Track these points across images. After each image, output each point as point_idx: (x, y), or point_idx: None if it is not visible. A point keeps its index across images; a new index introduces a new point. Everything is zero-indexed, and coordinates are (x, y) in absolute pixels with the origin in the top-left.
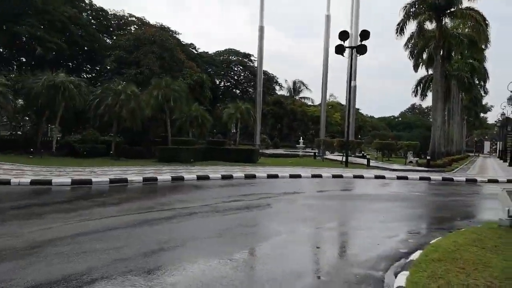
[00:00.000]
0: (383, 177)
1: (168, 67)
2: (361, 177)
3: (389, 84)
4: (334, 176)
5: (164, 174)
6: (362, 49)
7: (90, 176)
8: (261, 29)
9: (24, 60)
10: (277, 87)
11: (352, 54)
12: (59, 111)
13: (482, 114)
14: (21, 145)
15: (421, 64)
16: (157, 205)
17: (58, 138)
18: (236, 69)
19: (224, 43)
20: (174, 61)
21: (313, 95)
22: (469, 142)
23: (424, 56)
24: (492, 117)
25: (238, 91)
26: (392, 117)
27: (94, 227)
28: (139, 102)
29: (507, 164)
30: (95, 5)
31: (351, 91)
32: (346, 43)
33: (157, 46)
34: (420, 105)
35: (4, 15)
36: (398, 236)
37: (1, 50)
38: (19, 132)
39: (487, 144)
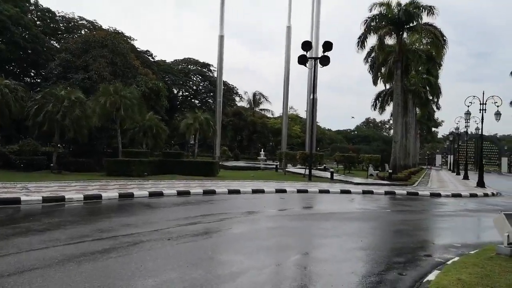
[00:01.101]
0: (348, 192)
1: (120, 73)
2: (327, 192)
3: (343, 98)
4: (299, 191)
5: (111, 190)
6: (325, 60)
7: (19, 193)
8: (221, 38)
9: None
10: (237, 98)
11: (314, 65)
12: None
13: (433, 129)
14: None
15: (380, 78)
16: (94, 232)
17: None
18: (195, 78)
19: (182, 52)
20: (127, 67)
21: (272, 107)
22: (421, 155)
23: (383, 70)
24: (441, 132)
25: (197, 101)
26: (348, 130)
27: (0, 269)
28: (85, 110)
29: (461, 177)
30: (41, 5)
31: (314, 103)
32: (308, 54)
33: (108, 50)
34: (374, 119)
35: None
36: (379, 271)
37: None
38: None
39: (438, 157)
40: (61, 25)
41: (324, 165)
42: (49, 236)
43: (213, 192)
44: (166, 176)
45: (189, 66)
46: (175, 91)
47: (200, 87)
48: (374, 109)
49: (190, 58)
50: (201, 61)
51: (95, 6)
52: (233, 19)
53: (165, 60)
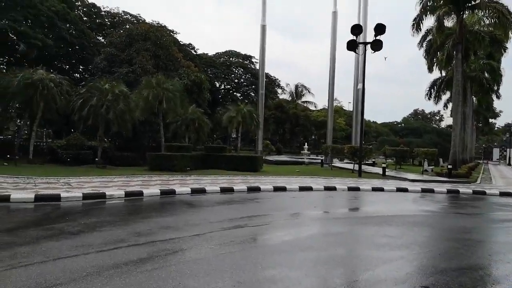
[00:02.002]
0: (405, 190)
1: (163, 66)
2: (381, 189)
3: (388, 89)
4: (350, 189)
5: (153, 186)
6: (377, 45)
7: (61, 189)
8: (263, 28)
9: (11, 59)
10: (279, 91)
11: (364, 51)
12: (38, 112)
13: (491, 120)
14: (0, 151)
15: (435, 64)
16: (131, 235)
17: (44, 144)
18: (236, 71)
19: (223, 45)
20: (169, 59)
21: (315, 99)
22: (476, 148)
23: (439, 55)
24: (498, 123)
25: (239, 95)
26: (394, 123)
27: (18, 284)
28: (129, 103)
29: None
30: (87, 0)
31: (363, 92)
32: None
33: (152, 43)
34: (423, 110)
35: None
36: None
37: None
38: (1, 137)
39: (495, 151)
40: (106, 20)
41: (373, 159)
42: (82, 240)
43: (257, 189)
44: (209, 171)
45: (230, 59)
46: (217, 85)
47: (242, 80)
48: (429, 98)
49: (231, 51)
50: (243, 53)
51: (139, 1)
52: (274, 10)
53: (207, 53)
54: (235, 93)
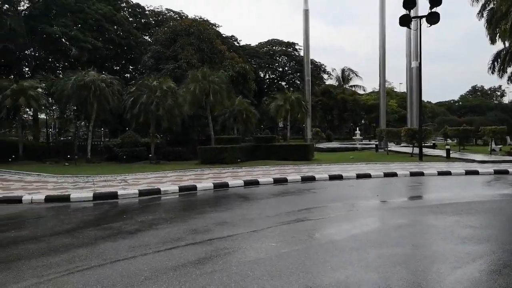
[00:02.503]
0: (476, 173)
1: (207, 59)
2: (448, 173)
3: (441, 67)
4: (412, 174)
5: (205, 180)
6: (433, 18)
7: (118, 187)
8: (306, 13)
9: (66, 63)
10: (325, 76)
11: (419, 25)
12: (93, 113)
13: None
14: (61, 152)
15: (497, 35)
16: (188, 233)
17: (101, 143)
18: (280, 59)
19: (265, 36)
20: (213, 52)
21: (363, 83)
22: None
23: (502, 24)
24: None
25: (284, 83)
26: (452, 101)
27: None
28: (177, 98)
29: None
30: (131, 1)
31: (419, 70)
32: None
33: (195, 38)
34: (482, 86)
35: (37, 16)
36: None
37: (37, 54)
38: (63, 138)
39: None
40: (151, 19)
41: (433, 141)
42: (139, 240)
43: (312, 179)
44: (259, 162)
45: (274, 48)
46: (262, 75)
47: (287, 68)
48: (492, 72)
49: (274, 39)
50: (286, 41)
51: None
52: None
53: (249, 44)
54: (280, 82)
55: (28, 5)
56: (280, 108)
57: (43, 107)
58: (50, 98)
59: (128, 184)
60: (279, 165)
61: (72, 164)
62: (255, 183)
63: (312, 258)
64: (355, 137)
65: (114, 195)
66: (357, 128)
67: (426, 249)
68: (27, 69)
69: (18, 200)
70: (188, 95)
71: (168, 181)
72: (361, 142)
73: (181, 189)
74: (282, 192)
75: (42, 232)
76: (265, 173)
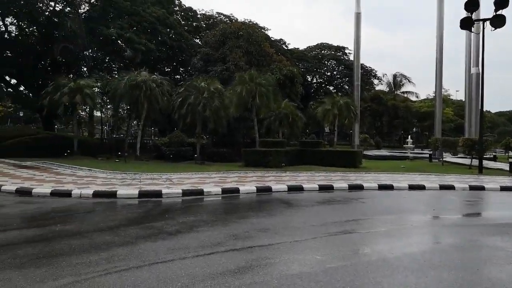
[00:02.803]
0: None
1: (255, 62)
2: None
3: (501, 74)
4: (472, 188)
5: (248, 183)
6: (498, 21)
7: (162, 186)
8: (358, 16)
9: (120, 64)
10: (375, 82)
11: (483, 29)
12: (143, 112)
13: None
14: (113, 148)
15: None
16: (228, 238)
17: (150, 141)
18: (329, 64)
19: (314, 40)
20: (261, 55)
21: (416, 89)
22: None
23: None
24: None
25: (332, 88)
26: None
27: None
28: (223, 100)
29: None
30: (184, 5)
31: (482, 76)
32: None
33: (244, 40)
34: None
35: (96, 18)
36: None
37: (94, 54)
38: (115, 135)
39: None
40: (202, 23)
41: (494, 153)
42: (178, 242)
43: (360, 188)
44: (304, 167)
45: (322, 52)
46: (309, 79)
47: (335, 73)
48: None
49: (323, 43)
50: (335, 45)
51: (231, 1)
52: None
53: (298, 48)
54: (328, 87)
55: (87, 8)
56: (328, 112)
57: (98, 105)
58: (105, 97)
59: (173, 183)
60: (325, 172)
61: (122, 161)
62: (299, 188)
63: (361, 276)
64: (406, 146)
65: (158, 194)
66: (409, 136)
67: (493, 275)
68: (85, 69)
69: (68, 194)
70: (234, 97)
71: (212, 182)
72: (413, 151)
73: (224, 191)
74: (327, 200)
75: (86, 227)
76: (310, 179)
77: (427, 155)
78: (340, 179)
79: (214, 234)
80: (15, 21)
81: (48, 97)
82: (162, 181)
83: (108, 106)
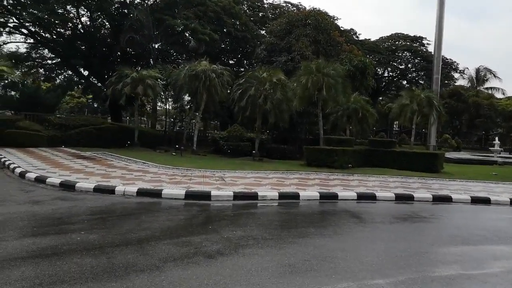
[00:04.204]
0: None
1: (323, 52)
2: None
3: None
4: None
5: (311, 187)
6: None
7: (213, 185)
8: (441, 1)
9: (184, 55)
10: (456, 75)
11: None
12: (201, 104)
13: None
14: (173, 141)
15: None
16: (281, 270)
17: (209, 135)
18: (403, 55)
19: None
20: (330, 44)
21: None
22: None
23: None
24: None
25: (405, 82)
26: None
27: None
28: (286, 92)
29: None
30: None
31: None
32: None
33: (312, 28)
34: None
35: (162, 8)
36: None
37: (159, 46)
38: (178, 128)
39: None
40: (269, 12)
41: None
42: (216, 271)
43: (447, 199)
44: (374, 170)
45: (396, 43)
46: (380, 72)
47: (410, 65)
48: None
49: (398, 33)
50: (412, 35)
51: None
52: None
53: (369, 39)
54: (400, 81)
55: None
56: (405, 108)
57: (159, 96)
58: (169, 88)
59: (225, 183)
60: (400, 176)
61: (178, 154)
62: (371, 197)
63: None
64: (492, 148)
65: (207, 196)
66: (496, 138)
67: None
68: (152, 61)
69: (111, 191)
70: (298, 88)
71: (268, 184)
72: (500, 155)
73: (282, 196)
74: (408, 215)
75: (112, 238)
76: (382, 185)
77: None
78: (420, 187)
79: (264, 262)
80: (87, 12)
81: (111, 87)
82: (214, 180)
83: (170, 98)
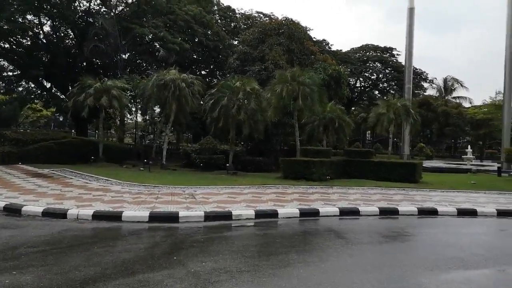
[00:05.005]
0: None
1: (296, 61)
2: None
3: None
4: None
5: (289, 202)
6: None
7: (182, 205)
8: (411, 12)
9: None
10: (426, 85)
11: None
12: (171, 115)
13: None
14: (142, 155)
15: None
16: None
17: (181, 148)
18: (374, 66)
19: (358, 42)
20: (304, 53)
21: (469, 94)
22: None
23: None
24: None
25: (376, 92)
26: None
27: None
28: (260, 102)
29: None
30: (222, 4)
31: None
32: None
33: (284, 37)
34: None
35: (129, 17)
36: None
37: (126, 55)
38: (148, 141)
39: None
40: (241, 23)
41: None
42: None
43: (433, 212)
44: (352, 181)
45: (367, 53)
46: (352, 82)
47: (381, 76)
48: None
49: (368, 45)
50: (382, 46)
51: (271, 2)
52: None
53: (341, 50)
54: (372, 91)
55: (123, 7)
56: (381, 117)
57: (126, 108)
58: (138, 100)
59: (195, 202)
60: (380, 187)
61: (146, 170)
62: (354, 212)
63: None
64: (465, 156)
65: (174, 217)
66: (468, 146)
67: None
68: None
69: (63, 215)
70: (273, 98)
71: (243, 201)
72: (473, 163)
73: (258, 214)
74: (396, 232)
75: (49, 280)
76: (364, 198)
77: (491, 168)
78: (402, 199)
79: None
80: (49, 21)
81: (73, 98)
82: (183, 198)
83: (137, 109)
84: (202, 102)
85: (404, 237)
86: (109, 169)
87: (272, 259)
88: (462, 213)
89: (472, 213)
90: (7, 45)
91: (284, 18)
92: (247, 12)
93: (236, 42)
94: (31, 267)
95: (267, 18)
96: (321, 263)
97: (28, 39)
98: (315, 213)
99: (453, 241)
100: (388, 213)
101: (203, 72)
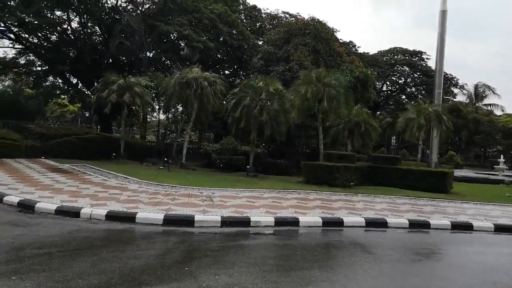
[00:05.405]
0: None
1: (322, 62)
2: None
3: None
4: None
5: (311, 210)
6: None
7: (198, 208)
8: (443, 14)
9: (177, 63)
10: (456, 90)
11: None
12: (192, 113)
13: None
14: (162, 153)
15: None
16: None
17: (202, 147)
18: (402, 70)
19: (386, 45)
20: (330, 54)
21: (502, 102)
22: None
23: None
24: None
25: (403, 97)
26: None
27: None
28: (284, 103)
29: None
30: (248, 3)
31: None
32: None
33: (311, 37)
34: None
35: (155, 14)
36: None
37: (151, 53)
38: (170, 139)
39: None
40: (266, 22)
41: None
42: None
43: (468, 227)
44: (378, 188)
45: (395, 57)
46: (379, 86)
47: (409, 80)
48: None
49: (396, 48)
50: (411, 49)
51: (297, 3)
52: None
53: (368, 52)
54: (399, 95)
55: (149, 4)
56: (410, 122)
57: (148, 105)
58: (159, 97)
59: (213, 205)
60: (408, 197)
61: (166, 169)
62: (382, 224)
63: None
64: (497, 166)
65: (189, 221)
66: (501, 156)
67: None
68: (143, 68)
69: (76, 214)
70: (297, 99)
71: (262, 206)
72: (505, 173)
73: (278, 222)
74: (428, 248)
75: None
76: (392, 208)
77: None
78: (433, 211)
79: None
80: (77, 17)
81: (96, 94)
82: (200, 200)
83: (160, 107)
84: (224, 102)
85: (439, 255)
86: (129, 166)
87: (293, 275)
88: (500, 229)
89: (511, 229)
90: (35, 40)
91: (311, 18)
92: (273, 12)
93: (260, 42)
94: (33, 272)
95: (293, 18)
96: (348, 283)
97: (56, 34)
98: (339, 223)
99: (494, 263)
100: (418, 226)
101: (226, 72)
